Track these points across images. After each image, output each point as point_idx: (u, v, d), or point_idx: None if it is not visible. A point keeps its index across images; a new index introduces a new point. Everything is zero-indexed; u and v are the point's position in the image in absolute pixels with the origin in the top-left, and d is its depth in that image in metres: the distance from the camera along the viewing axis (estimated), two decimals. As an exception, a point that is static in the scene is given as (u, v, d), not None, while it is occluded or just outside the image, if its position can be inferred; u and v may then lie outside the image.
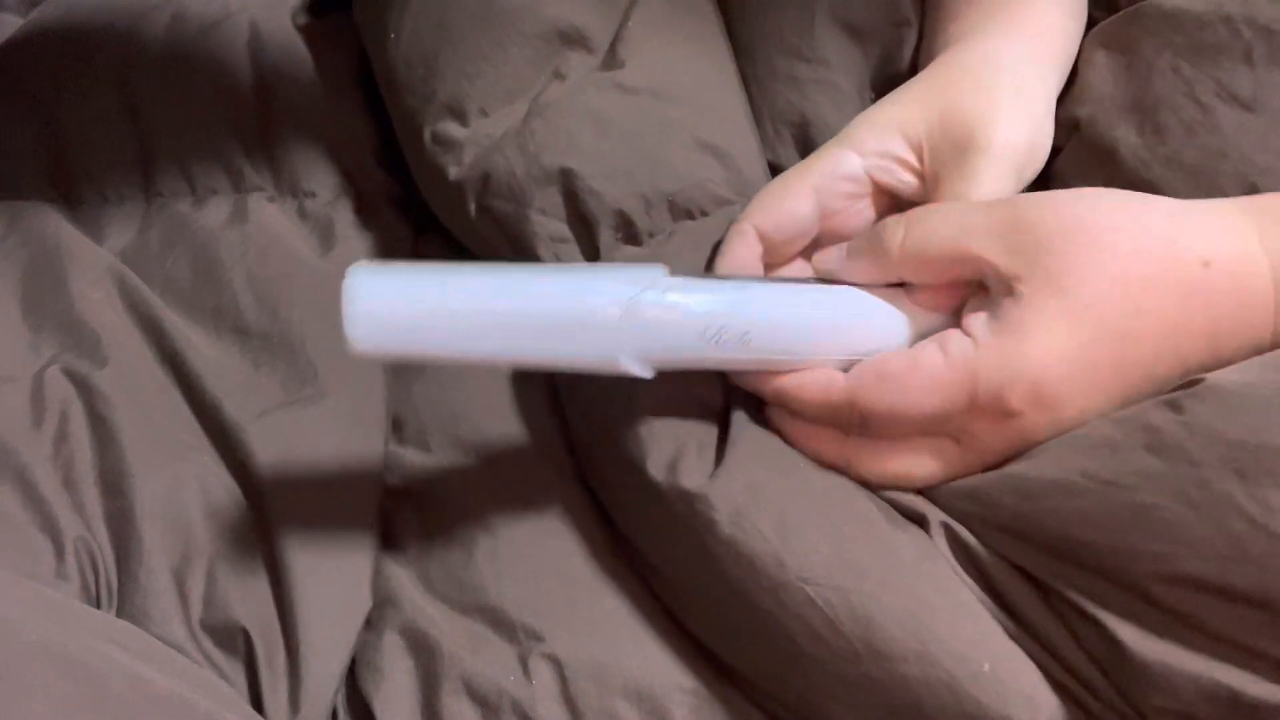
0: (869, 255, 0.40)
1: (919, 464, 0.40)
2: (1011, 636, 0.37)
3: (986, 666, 0.36)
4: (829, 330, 0.40)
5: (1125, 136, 0.43)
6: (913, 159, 0.44)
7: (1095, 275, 0.36)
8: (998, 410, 0.37)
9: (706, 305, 0.38)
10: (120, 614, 0.41)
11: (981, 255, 0.37)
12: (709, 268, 0.46)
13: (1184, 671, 0.34)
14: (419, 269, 0.37)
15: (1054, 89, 0.46)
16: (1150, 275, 0.36)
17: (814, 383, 0.40)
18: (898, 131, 0.44)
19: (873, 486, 0.41)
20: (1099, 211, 0.37)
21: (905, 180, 0.44)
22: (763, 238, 0.43)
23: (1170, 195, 0.39)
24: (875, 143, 0.44)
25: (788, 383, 0.40)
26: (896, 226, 0.39)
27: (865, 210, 0.45)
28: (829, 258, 0.43)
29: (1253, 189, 0.40)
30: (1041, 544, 0.37)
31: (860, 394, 0.39)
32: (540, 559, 0.44)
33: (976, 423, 0.37)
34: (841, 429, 0.40)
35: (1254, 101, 0.41)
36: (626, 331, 0.37)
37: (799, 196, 0.43)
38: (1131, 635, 0.34)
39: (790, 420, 0.42)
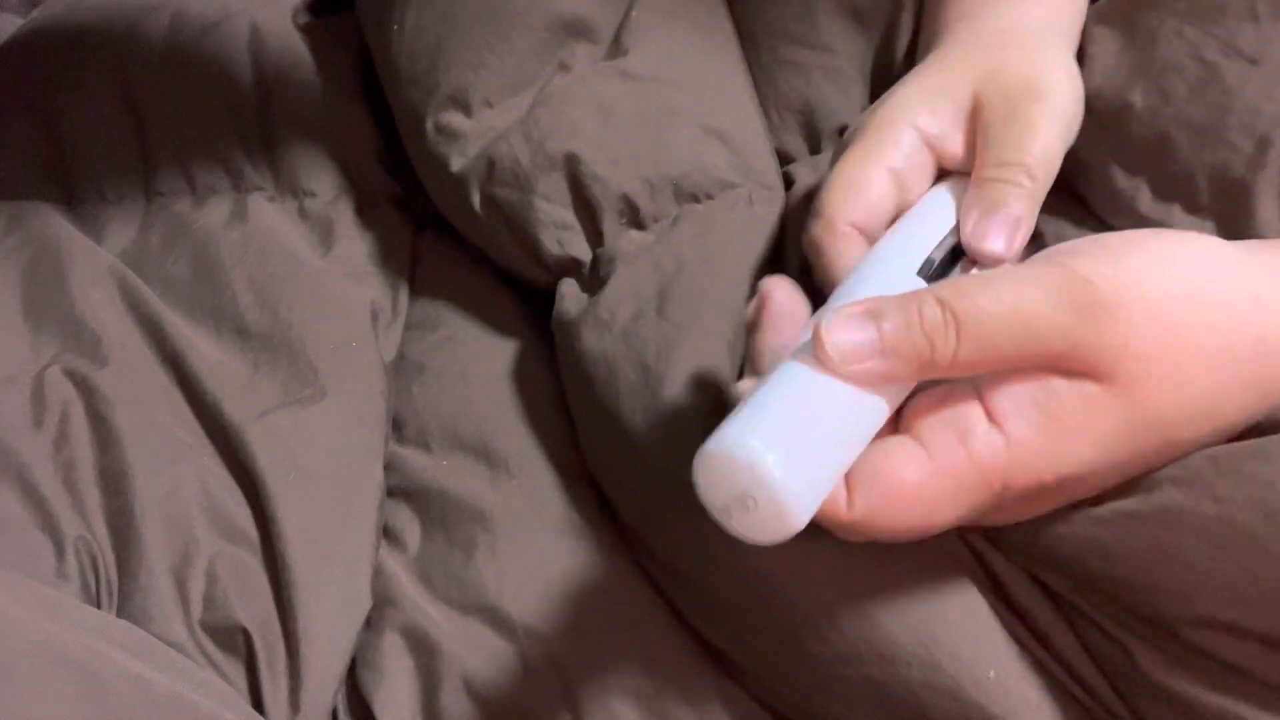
0: (913, 363, 0.31)
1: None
2: (1020, 642, 0.36)
3: (992, 673, 0.35)
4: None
5: (1133, 100, 0.43)
6: (965, 122, 0.41)
7: (1180, 389, 0.31)
8: (1024, 500, 0.32)
9: None
10: (120, 614, 0.41)
11: (1051, 352, 0.31)
12: (783, 261, 0.45)
13: (1204, 703, 0.32)
14: (796, 429, 0.31)
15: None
16: (1231, 381, 0.32)
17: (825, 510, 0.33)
18: (948, 98, 0.41)
19: None
20: (1197, 308, 0.31)
21: (956, 144, 0.41)
22: (860, 231, 0.40)
23: (1179, 151, 0.37)
24: (928, 113, 0.41)
25: None
26: (945, 335, 0.31)
27: (927, 180, 0.42)
28: (844, 339, 0.31)
29: (1264, 140, 0.40)
30: (1059, 567, 0.35)
31: (869, 519, 0.32)
32: (540, 558, 0.44)
33: (996, 513, 0.33)
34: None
35: (1258, 55, 0.40)
36: None
37: (879, 184, 0.40)
38: (1151, 662, 0.33)
39: None
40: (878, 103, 0.43)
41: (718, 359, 0.43)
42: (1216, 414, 0.32)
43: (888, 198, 0.40)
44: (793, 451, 0.30)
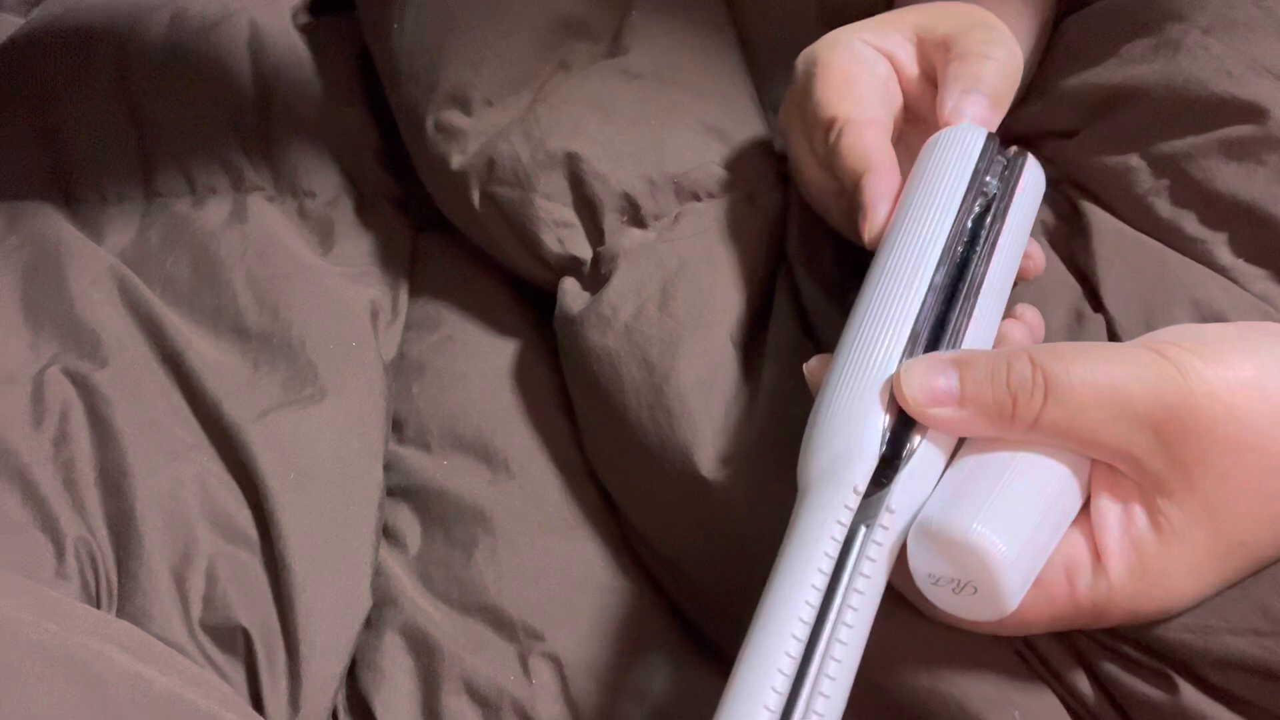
0: (993, 418, 0.31)
1: None
2: (1024, 659, 0.36)
3: (999, 688, 0.34)
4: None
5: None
6: (912, 45, 0.42)
7: (1262, 508, 0.31)
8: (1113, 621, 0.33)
9: None
10: (120, 614, 0.41)
11: (1132, 453, 0.31)
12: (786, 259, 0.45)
13: None
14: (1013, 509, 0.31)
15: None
16: None
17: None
18: (889, 25, 0.42)
19: None
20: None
21: (909, 57, 0.43)
22: (874, 123, 0.41)
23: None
24: (872, 32, 0.42)
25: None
26: (1032, 393, 0.31)
27: (896, 82, 0.43)
28: (942, 404, 0.31)
29: None
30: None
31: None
32: (540, 558, 0.44)
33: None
34: None
35: None
36: None
37: (863, 75, 0.42)
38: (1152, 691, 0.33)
39: None
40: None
41: (722, 355, 0.43)
42: None
43: (876, 85, 0.42)
44: (1024, 548, 0.30)
